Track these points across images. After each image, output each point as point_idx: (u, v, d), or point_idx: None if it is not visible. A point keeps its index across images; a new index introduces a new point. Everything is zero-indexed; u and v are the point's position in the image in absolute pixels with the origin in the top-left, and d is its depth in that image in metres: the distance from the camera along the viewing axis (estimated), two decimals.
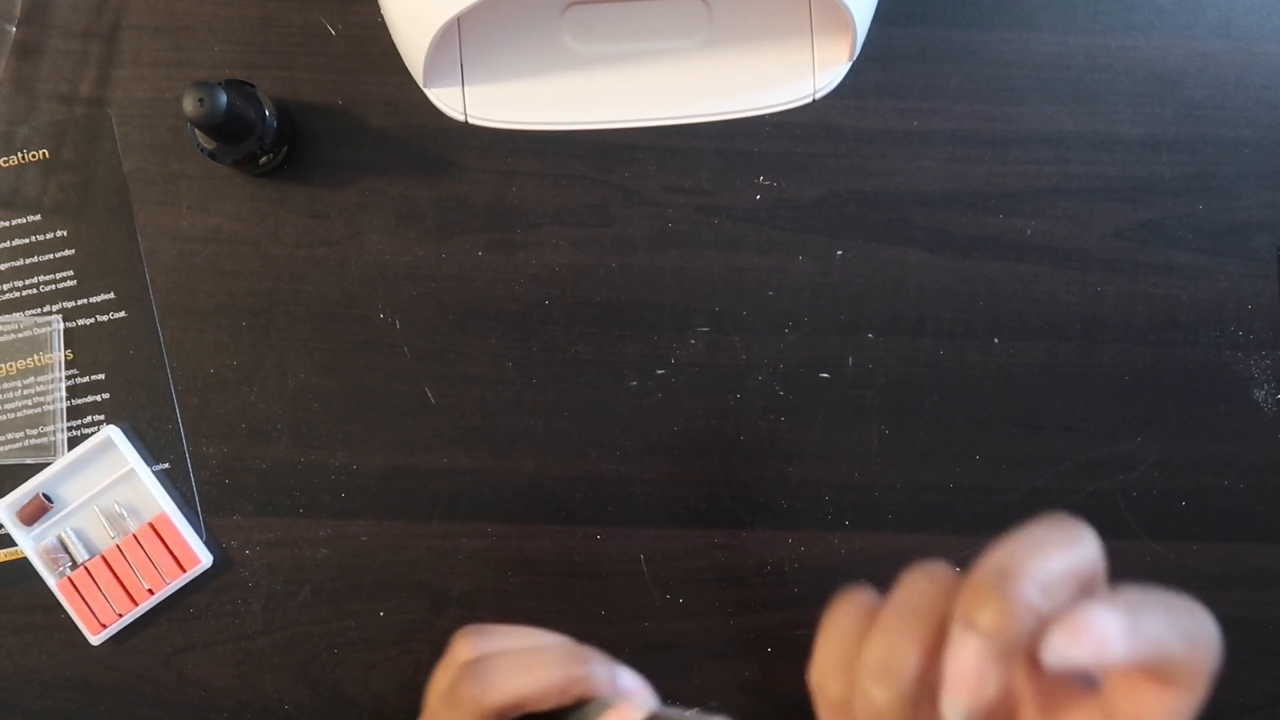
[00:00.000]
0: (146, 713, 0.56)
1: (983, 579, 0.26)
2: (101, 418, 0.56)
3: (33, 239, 0.56)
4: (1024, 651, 0.26)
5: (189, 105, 0.48)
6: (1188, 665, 0.26)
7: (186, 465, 0.56)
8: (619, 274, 0.57)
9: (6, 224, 0.56)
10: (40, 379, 0.55)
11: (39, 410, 0.55)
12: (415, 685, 0.55)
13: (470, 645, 0.41)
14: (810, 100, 0.52)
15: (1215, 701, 0.62)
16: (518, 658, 0.39)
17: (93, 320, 0.56)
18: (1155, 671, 0.26)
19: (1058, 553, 0.27)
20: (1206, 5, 0.57)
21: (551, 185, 0.56)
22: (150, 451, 0.56)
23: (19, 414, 0.55)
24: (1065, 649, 0.25)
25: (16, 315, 0.56)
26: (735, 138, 0.56)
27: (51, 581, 0.55)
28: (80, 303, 0.56)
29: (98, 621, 0.55)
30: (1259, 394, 0.58)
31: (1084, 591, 0.27)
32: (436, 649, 0.57)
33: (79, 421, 0.56)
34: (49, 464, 0.55)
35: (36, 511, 0.55)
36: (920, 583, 0.29)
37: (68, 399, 0.56)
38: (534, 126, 0.51)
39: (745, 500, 0.57)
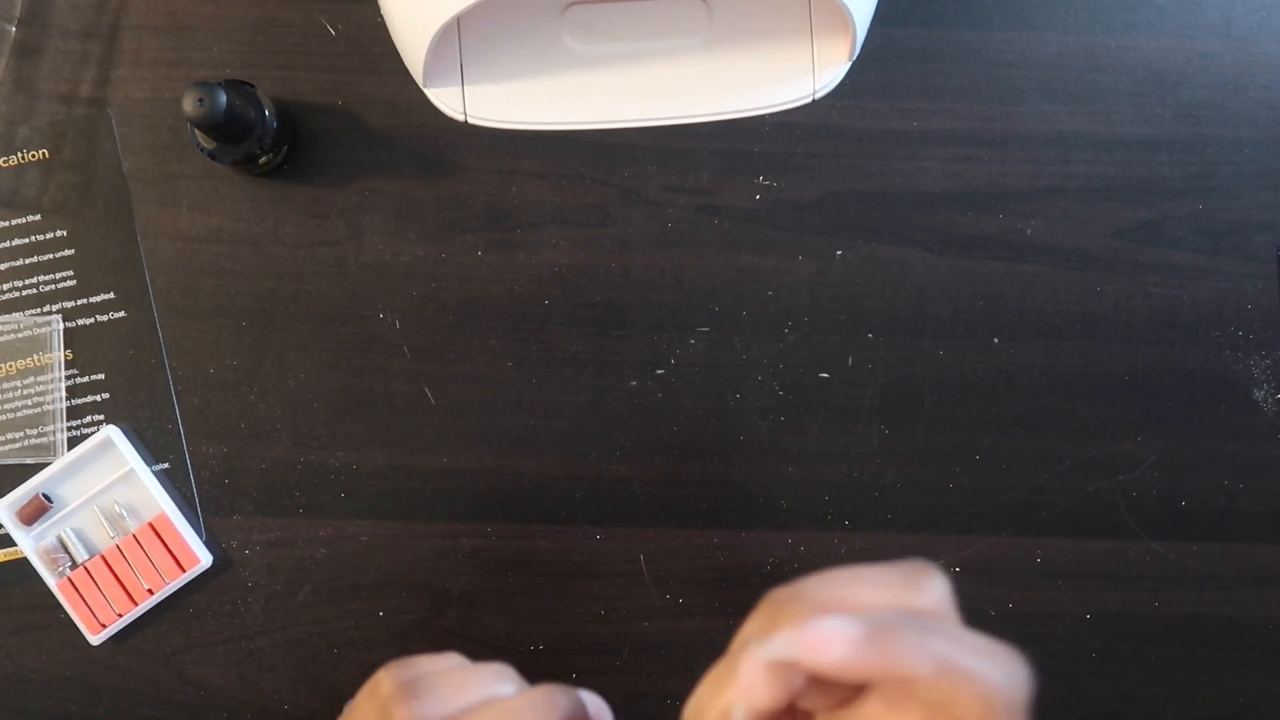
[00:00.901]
0: (146, 713, 0.56)
1: (777, 597, 0.29)
2: (101, 418, 0.56)
3: (33, 239, 0.56)
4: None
5: (189, 105, 0.48)
6: (952, 695, 0.27)
7: (186, 465, 0.56)
8: (619, 274, 0.57)
9: (6, 224, 0.56)
10: (40, 379, 0.55)
11: (39, 410, 0.55)
12: None
13: (406, 694, 0.36)
14: (810, 100, 0.52)
15: (1215, 701, 0.62)
16: None
17: (93, 320, 0.56)
18: (911, 691, 0.27)
19: (868, 588, 0.28)
20: (1206, 5, 0.57)
21: (551, 185, 0.56)
22: (150, 451, 0.56)
23: (19, 414, 0.55)
24: (781, 647, 0.27)
25: (16, 315, 0.56)
26: (735, 138, 0.56)
27: (51, 581, 0.55)
28: (80, 303, 0.56)
29: (97, 621, 0.55)
30: (1259, 394, 0.58)
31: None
32: (436, 649, 0.57)
33: (79, 421, 0.56)
34: (49, 464, 0.55)
35: (36, 511, 0.55)
36: (758, 617, 0.31)
37: (68, 399, 0.56)
38: (534, 126, 0.51)
39: (745, 500, 0.57)
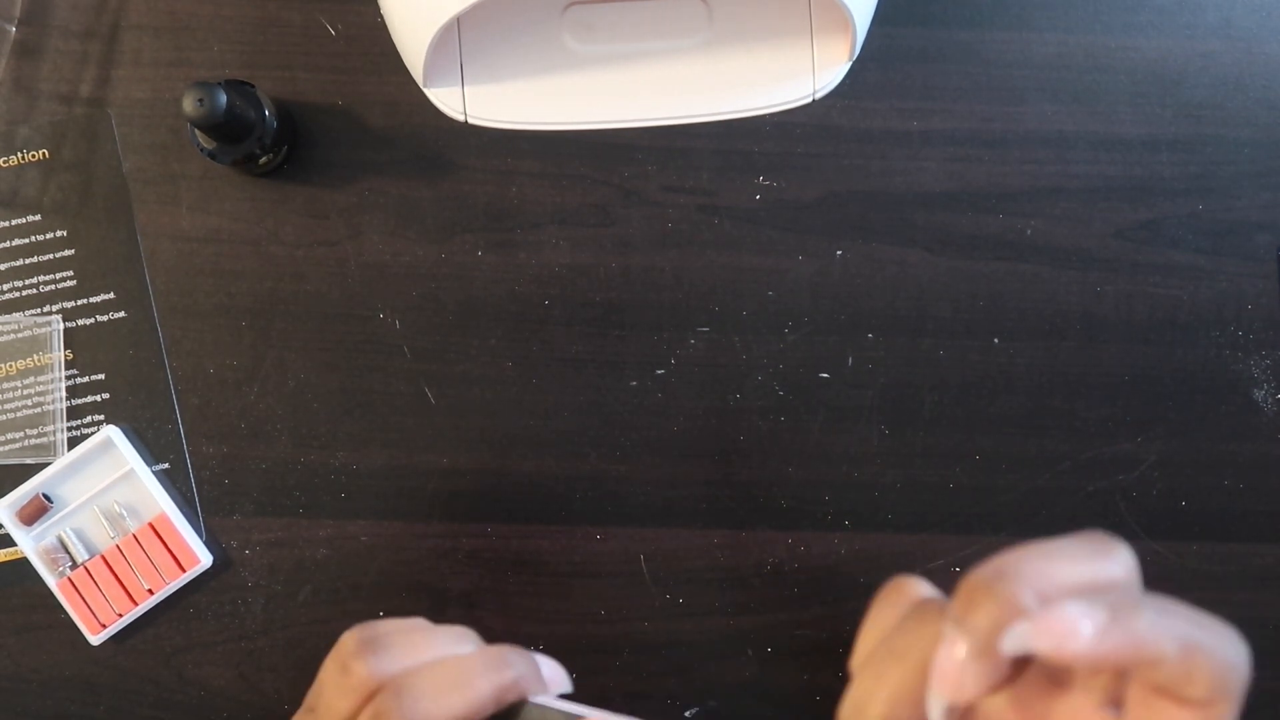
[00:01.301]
0: (146, 713, 0.56)
1: (979, 579, 0.26)
2: (101, 418, 0.56)
3: (33, 239, 0.56)
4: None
5: (189, 105, 0.48)
6: (1191, 675, 0.25)
7: (186, 465, 0.56)
8: (619, 274, 0.57)
9: (6, 224, 0.56)
10: (40, 379, 0.55)
11: (39, 410, 0.55)
12: None
13: (365, 649, 0.38)
14: (810, 100, 0.52)
15: None
16: (443, 675, 0.36)
17: (93, 320, 0.56)
18: (1159, 681, 0.26)
19: (1066, 562, 0.27)
20: (1206, 5, 0.57)
21: (551, 185, 0.56)
22: (150, 451, 0.56)
23: (19, 414, 0.55)
24: (1023, 636, 0.25)
25: (16, 315, 0.56)
26: (735, 138, 0.56)
27: (51, 581, 0.55)
28: (80, 303, 0.56)
29: (97, 621, 0.55)
30: (1259, 394, 0.58)
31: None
32: None
33: (79, 421, 0.56)
34: (49, 464, 0.55)
35: (36, 511, 0.55)
36: (894, 613, 0.30)
37: (68, 399, 0.56)
38: (534, 126, 0.51)
39: (745, 500, 0.57)
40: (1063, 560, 0.26)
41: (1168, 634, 0.25)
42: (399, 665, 0.37)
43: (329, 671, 0.39)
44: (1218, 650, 0.26)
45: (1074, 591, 0.26)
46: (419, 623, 0.40)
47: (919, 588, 0.30)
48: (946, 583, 0.57)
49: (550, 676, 0.39)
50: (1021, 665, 0.28)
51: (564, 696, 0.39)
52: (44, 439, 0.55)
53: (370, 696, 0.37)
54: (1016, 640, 0.25)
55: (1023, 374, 0.57)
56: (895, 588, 0.31)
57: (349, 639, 0.39)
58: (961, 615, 0.26)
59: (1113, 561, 0.27)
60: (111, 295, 0.56)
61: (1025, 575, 0.26)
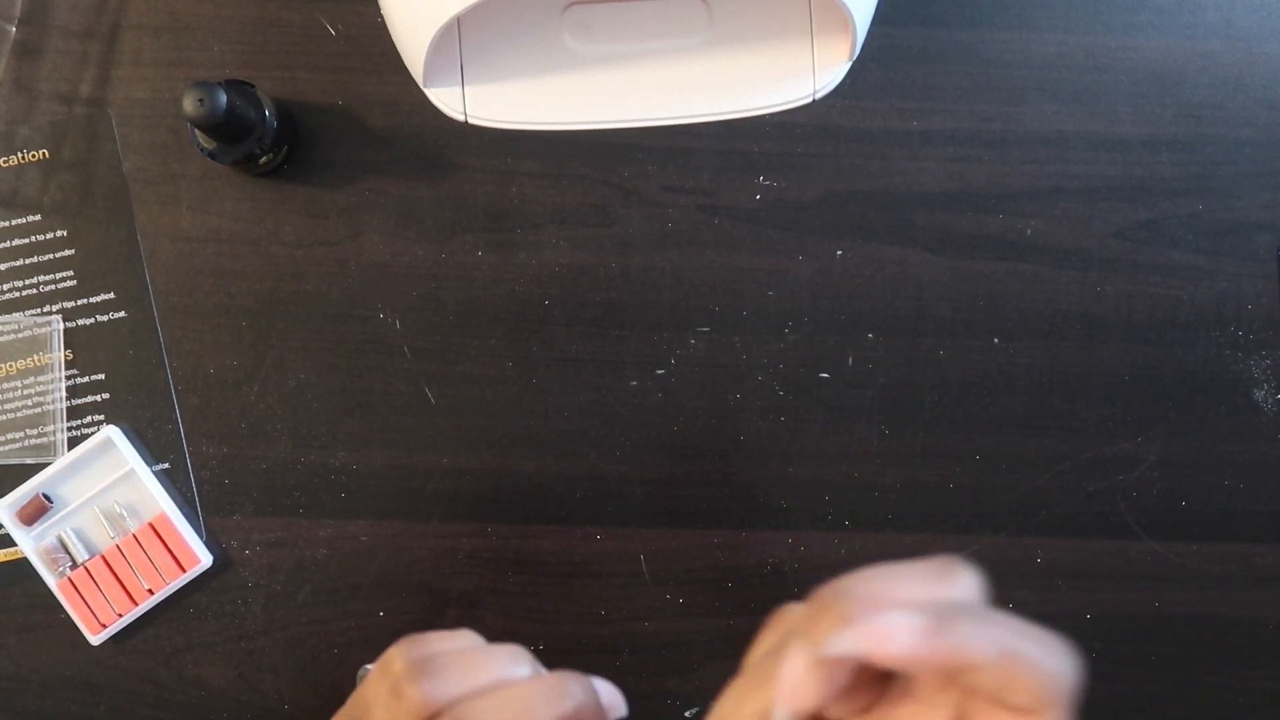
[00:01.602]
0: (146, 713, 0.56)
1: (822, 597, 0.28)
2: (101, 418, 0.56)
3: (33, 239, 0.56)
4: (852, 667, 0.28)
5: (189, 105, 0.48)
6: (1011, 682, 0.26)
7: (186, 465, 0.56)
8: (619, 274, 0.57)
9: (6, 224, 0.56)
10: (40, 379, 0.55)
11: (39, 410, 0.55)
12: None
13: (419, 673, 0.36)
14: (810, 100, 0.52)
15: (1215, 701, 0.62)
16: (504, 705, 0.35)
17: (93, 320, 0.56)
18: (970, 680, 0.27)
19: (907, 582, 0.28)
20: (1206, 5, 0.57)
21: (551, 185, 0.56)
22: (150, 451, 0.56)
23: (19, 414, 0.55)
24: (846, 640, 0.26)
25: (16, 315, 0.56)
26: (735, 138, 0.56)
27: (51, 581, 0.55)
28: (80, 303, 0.56)
29: (98, 621, 0.55)
30: (1259, 394, 0.58)
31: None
32: None
33: (79, 421, 0.56)
34: (49, 464, 0.55)
35: (36, 511, 0.55)
36: (773, 638, 0.31)
37: (68, 399, 0.56)
38: (534, 126, 0.51)
39: (745, 500, 0.57)
40: (904, 580, 0.28)
41: (985, 640, 0.26)
42: (455, 691, 0.35)
43: (377, 691, 0.37)
44: (1038, 658, 0.27)
45: (909, 606, 0.27)
46: (470, 640, 0.38)
47: (799, 614, 0.31)
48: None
49: (609, 703, 0.38)
50: (878, 688, 0.30)
51: None
52: (44, 439, 0.55)
53: None
54: (840, 644, 0.26)
55: (1023, 374, 0.57)
56: (780, 615, 0.32)
57: (398, 658, 0.37)
58: (804, 630, 0.28)
59: (955, 584, 0.28)
60: (111, 295, 0.56)
61: (864, 593, 0.28)
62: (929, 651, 0.26)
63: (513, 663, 0.37)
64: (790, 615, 0.32)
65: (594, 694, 0.37)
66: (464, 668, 0.36)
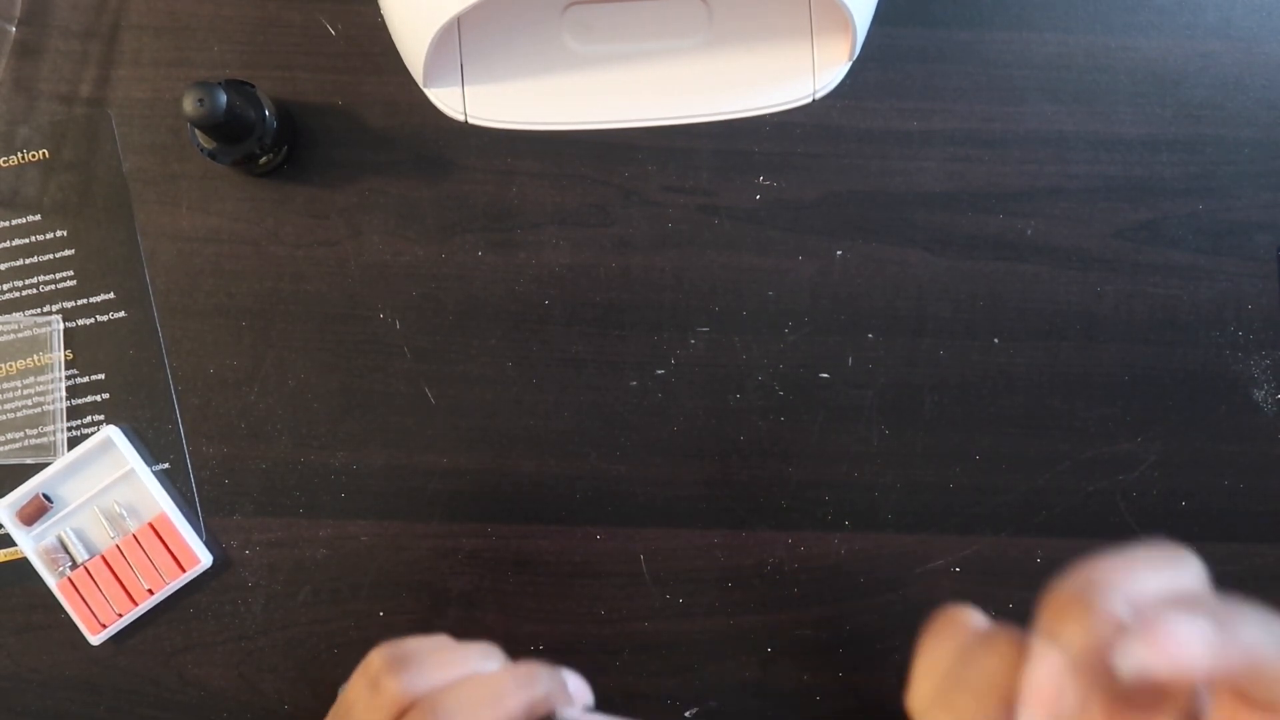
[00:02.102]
0: (146, 713, 0.56)
1: (1068, 592, 0.26)
2: (101, 418, 0.56)
3: (33, 239, 0.56)
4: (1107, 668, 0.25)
5: (189, 105, 0.48)
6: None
7: (186, 465, 0.56)
8: (619, 274, 0.57)
9: (6, 224, 0.56)
10: (40, 379, 0.55)
11: (39, 410, 0.55)
12: None
13: (395, 666, 0.38)
14: (810, 100, 0.52)
15: None
16: (475, 692, 0.37)
17: (93, 320, 0.56)
18: (1252, 691, 0.25)
19: (1149, 571, 0.26)
20: (1206, 5, 0.57)
21: (551, 185, 0.56)
22: (150, 451, 0.56)
23: (19, 414, 0.55)
24: (1141, 656, 0.23)
25: (16, 315, 0.56)
26: (735, 138, 0.56)
27: (51, 581, 0.55)
28: (80, 303, 0.56)
29: (98, 621, 0.55)
30: (1259, 394, 0.58)
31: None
32: None
33: (79, 421, 0.56)
34: (49, 464, 0.55)
35: (36, 511, 0.55)
36: (952, 645, 0.29)
37: (68, 399, 0.56)
38: (534, 126, 0.51)
39: (745, 500, 0.57)
40: (1145, 570, 0.26)
41: (1270, 642, 0.24)
42: (430, 682, 0.38)
43: (357, 689, 0.39)
44: None
45: (1159, 602, 0.25)
46: (444, 641, 0.41)
47: (974, 617, 0.30)
48: (947, 583, 0.57)
49: (575, 691, 0.40)
50: (1119, 693, 0.27)
51: (589, 709, 0.40)
52: (44, 439, 0.55)
53: (402, 714, 0.37)
54: (1131, 660, 0.23)
55: (1023, 374, 0.57)
56: (949, 619, 0.30)
57: (377, 657, 0.39)
58: (1053, 630, 0.25)
59: (1187, 570, 0.27)
60: (111, 295, 0.56)
61: (1114, 585, 0.25)
62: (1224, 661, 0.23)
63: (483, 658, 0.40)
64: (962, 618, 0.29)
65: (561, 681, 0.39)
66: (438, 661, 0.39)
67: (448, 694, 0.37)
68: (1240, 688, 0.25)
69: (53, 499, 0.55)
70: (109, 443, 0.55)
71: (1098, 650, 0.24)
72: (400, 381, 0.56)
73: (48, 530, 0.55)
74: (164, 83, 0.56)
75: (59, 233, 0.56)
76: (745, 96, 0.52)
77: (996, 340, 0.57)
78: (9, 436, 0.55)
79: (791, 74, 0.51)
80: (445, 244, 0.56)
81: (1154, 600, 0.25)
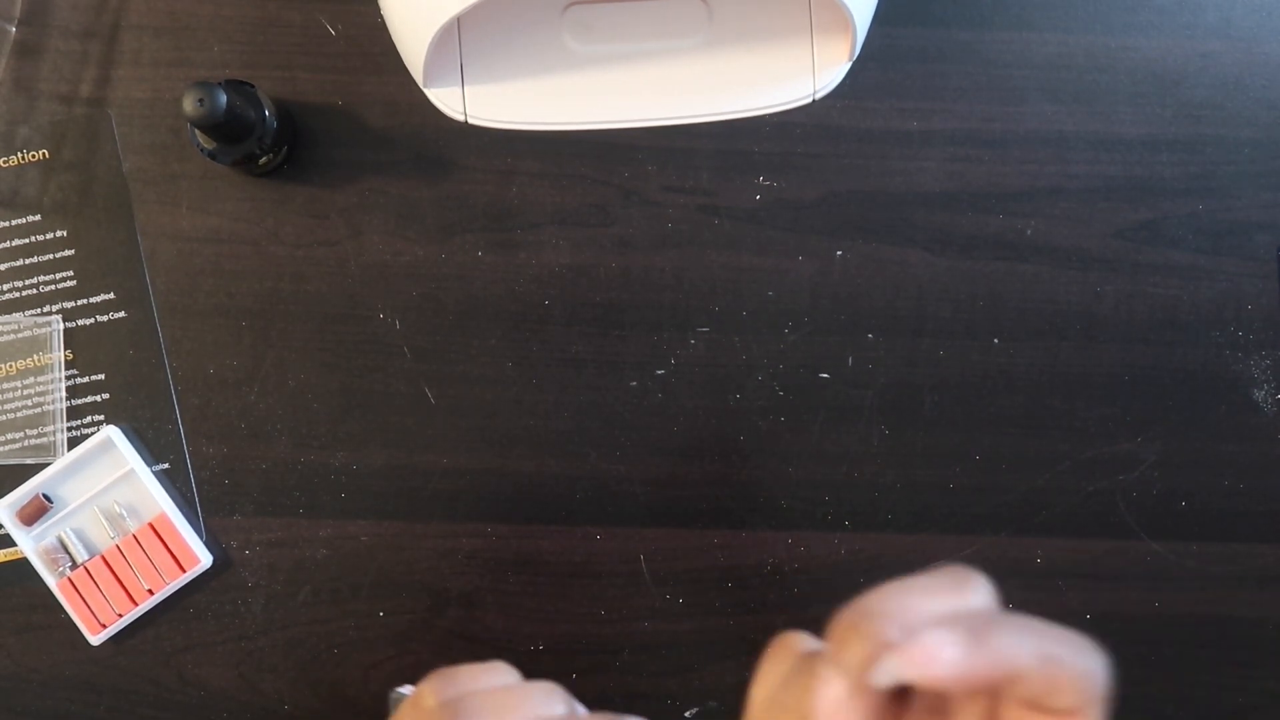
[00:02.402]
0: (146, 713, 0.56)
1: (846, 620, 0.27)
2: (101, 418, 0.56)
3: (33, 239, 0.56)
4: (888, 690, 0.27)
5: (189, 105, 0.48)
6: (1054, 686, 0.26)
7: (186, 465, 0.56)
8: (619, 274, 0.57)
9: (6, 224, 0.56)
10: (40, 379, 0.55)
11: (39, 410, 0.55)
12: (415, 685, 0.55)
13: (450, 714, 0.35)
14: (810, 100, 0.52)
15: (1215, 701, 0.62)
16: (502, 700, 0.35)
17: (93, 320, 0.56)
18: (1020, 694, 0.27)
19: (927, 596, 0.28)
20: (1206, 5, 0.57)
21: (551, 185, 0.56)
22: (150, 451, 0.56)
23: (19, 414, 0.55)
24: (892, 667, 0.25)
25: (16, 315, 0.56)
26: (735, 138, 0.56)
27: (51, 582, 0.55)
28: (80, 303, 0.56)
29: (98, 621, 0.55)
30: (1259, 394, 0.58)
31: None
32: (436, 649, 0.57)
33: (79, 421, 0.56)
34: (49, 464, 0.55)
35: (36, 512, 0.55)
36: (781, 668, 0.30)
37: (68, 399, 0.56)
38: (534, 126, 0.51)
39: (745, 500, 0.57)
40: (923, 594, 0.28)
41: (1026, 649, 0.26)
42: None
43: None
44: (1076, 660, 0.27)
45: (937, 622, 0.27)
46: (503, 675, 0.38)
47: (803, 642, 0.31)
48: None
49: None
50: (903, 701, 0.29)
51: None
52: (44, 439, 0.55)
53: None
54: (886, 672, 0.26)
55: (1023, 374, 0.57)
56: (780, 644, 0.32)
57: (430, 695, 0.36)
58: (835, 655, 0.27)
59: (972, 593, 0.28)
60: (111, 295, 0.56)
61: (889, 611, 0.27)
62: (974, 668, 0.25)
63: (546, 702, 0.36)
64: (793, 644, 0.31)
65: None
66: (496, 709, 0.35)
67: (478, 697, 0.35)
68: (1013, 694, 0.27)
69: (53, 499, 0.55)
70: (109, 443, 0.55)
71: (869, 669, 0.26)
72: (400, 381, 0.56)
73: (48, 530, 0.55)
74: (164, 83, 0.56)
75: (59, 233, 0.56)
76: (745, 96, 0.52)
77: (996, 340, 0.57)
78: (9, 436, 0.55)
79: (791, 74, 0.51)
80: (445, 244, 0.56)
81: (926, 622, 0.27)
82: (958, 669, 0.25)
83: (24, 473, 0.55)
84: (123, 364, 0.56)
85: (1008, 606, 0.61)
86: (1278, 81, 0.57)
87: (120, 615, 0.55)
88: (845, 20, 0.49)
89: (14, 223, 0.56)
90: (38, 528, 0.55)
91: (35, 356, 0.55)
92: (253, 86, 0.52)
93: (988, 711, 0.28)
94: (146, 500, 0.55)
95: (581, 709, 0.38)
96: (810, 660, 0.30)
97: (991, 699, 0.28)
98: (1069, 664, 0.26)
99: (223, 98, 0.48)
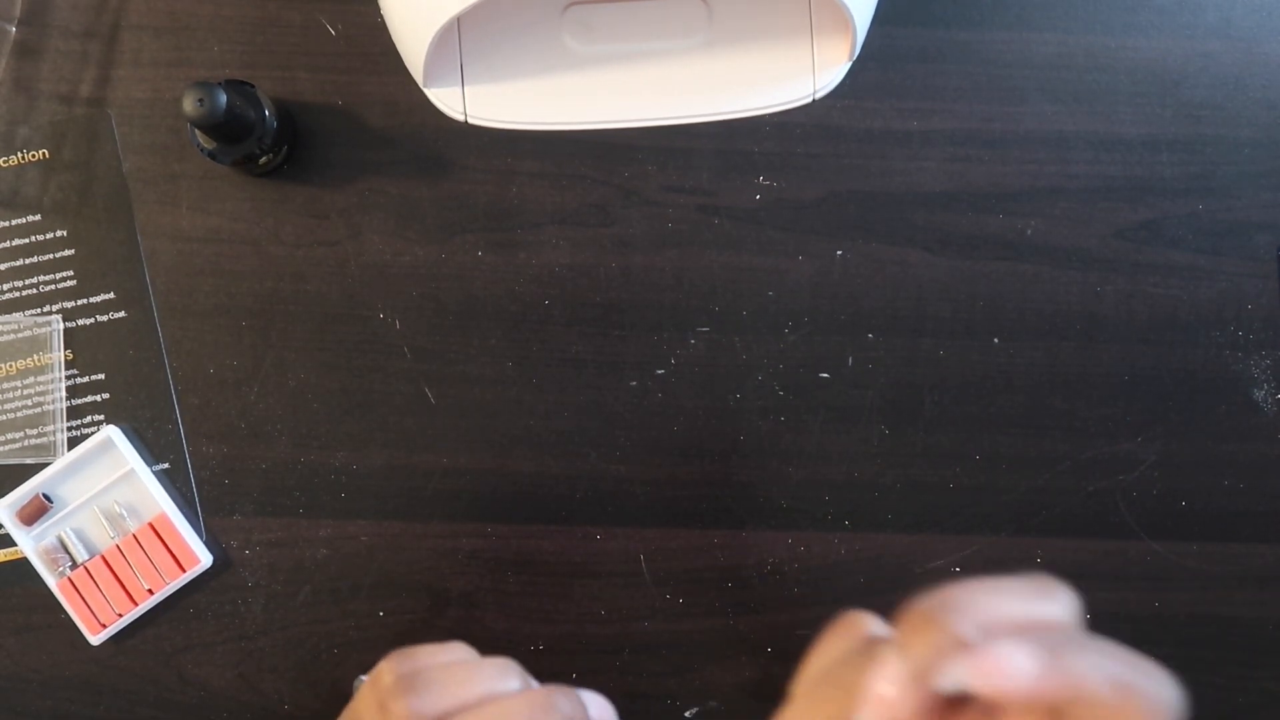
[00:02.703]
0: (146, 713, 0.56)
1: (924, 609, 0.27)
2: (101, 418, 0.56)
3: (33, 239, 0.56)
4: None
5: (189, 105, 0.48)
6: (1123, 715, 0.26)
7: (186, 465, 0.56)
8: (619, 274, 0.57)
9: (6, 224, 0.56)
10: (40, 379, 0.55)
11: (39, 410, 0.55)
12: None
13: (404, 688, 0.36)
14: (810, 100, 0.52)
15: (1215, 701, 0.62)
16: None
17: (93, 320, 0.56)
18: (1081, 714, 0.26)
19: (1010, 599, 0.27)
20: (1206, 5, 0.57)
21: (551, 185, 0.56)
22: (150, 451, 0.56)
23: (19, 414, 0.55)
24: (959, 673, 0.25)
25: (16, 315, 0.56)
26: (735, 138, 0.56)
27: (51, 581, 0.55)
28: (80, 303, 0.56)
29: (98, 621, 0.55)
30: (1259, 394, 0.58)
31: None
32: None
33: (79, 421, 0.56)
34: (49, 464, 0.55)
35: (36, 511, 0.55)
36: (842, 645, 0.30)
37: (68, 399, 0.56)
38: (534, 126, 0.51)
39: (745, 500, 0.57)
40: (1006, 597, 0.27)
41: (1103, 674, 0.25)
42: (441, 706, 0.36)
43: (366, 705, 0.37)
44: (1150, 692, 0.26)
45: (1015, 628, 0.26)
46: (460, 653, 0.38)
47: (870, 624, 0.31)
48: (947, 583, 0.57)
49: (599, 716, 0.38)
50: (958, 702, 0.28)
51: None
52: (44, 439, 0.55)
53: None
54: (953, 676, 0.25)
55: (1023, 374, 0.57)
56: (848, 621, 0.31)
57: (387, 672, 0.37)
58: (903, 642, 0.27)
59: (1054, 603, 0.28)
60: (111, 295, 0.56)
61: (968, 608, 0.26)
62: (1044, 686, 0.25)
63: (501, 677, 0.37)
64: (856, 625, 0.31)
65: (582, 708, 0.37)
66: (451, 683, 0.36)
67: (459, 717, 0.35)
68: (1082, 716, 0.26)
69: (53, 499, 0.55)
70: (109, 443, 0.55)
71: (935, 664, 0.26)
72: (400, 381, 0.56)
73: (48, 530, 0.55)
74: (164, 83, 0.56)
75: (59, 233, 0.56)
76: (745, 96, 0.52)
77: (996, 340, 0.57)
78: (9, 436, 0.55)
79: (791, 74, 0.51)
80: (445, 244, 0.56)
81: (1004, 625, 0.26)
82: (1027, 684, 0.25)
83: (24, 473, 0.55)
84: (123, 364, 0.56)
85: None
86: (1278, 81, 0.57)
87: (120, 615, 0.55)
88: (845, 20, 0.49)
89: (14, 223, 0.56)
90: (38, 528, 0.55)
91: (35, 356, 0.56)
92: (253, 86, 0.52)
93: None
94: (146, 500, 0.55)
95: (536, 685, 0.38)
96: (873, 643, 0.29)
97: (1052, 716, 0.27)
98: (1143, 695, 0.26)
99: (223, 98, 0.48)
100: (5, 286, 0.56)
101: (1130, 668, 0.26)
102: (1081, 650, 0.25)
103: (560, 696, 0.36)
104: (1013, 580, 0.28)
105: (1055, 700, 0.25)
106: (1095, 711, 0.26)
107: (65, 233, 0.56)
